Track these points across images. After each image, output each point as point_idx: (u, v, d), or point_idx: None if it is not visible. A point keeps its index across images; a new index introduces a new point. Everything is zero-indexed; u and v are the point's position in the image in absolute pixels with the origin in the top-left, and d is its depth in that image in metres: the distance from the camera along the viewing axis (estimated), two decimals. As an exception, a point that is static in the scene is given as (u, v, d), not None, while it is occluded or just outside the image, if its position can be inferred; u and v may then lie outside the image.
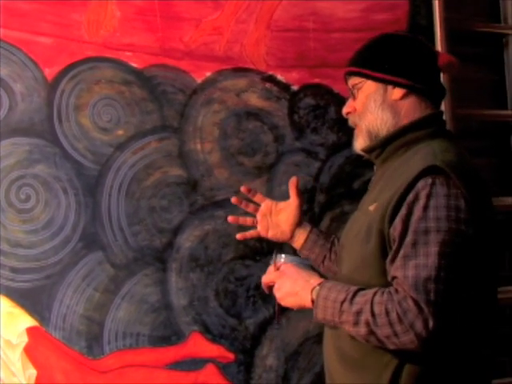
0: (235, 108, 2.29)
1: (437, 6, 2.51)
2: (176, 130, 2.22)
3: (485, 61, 2.70)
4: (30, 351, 2.01)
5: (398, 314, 1.36)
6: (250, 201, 1.89)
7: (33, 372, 2.01)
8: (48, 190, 2.07)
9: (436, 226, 1.39)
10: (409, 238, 1.40)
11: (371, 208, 1.54)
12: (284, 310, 1.62)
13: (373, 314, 1.38)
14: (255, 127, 2.32)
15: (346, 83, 1.70)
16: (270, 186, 2.29)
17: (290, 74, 2.36)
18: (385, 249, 1.47)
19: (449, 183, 1.42)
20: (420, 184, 1.43)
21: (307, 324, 2.26)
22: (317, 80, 2.39)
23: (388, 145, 1.60)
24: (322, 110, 2.39)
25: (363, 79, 1.63)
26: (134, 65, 2.18)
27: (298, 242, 1.86)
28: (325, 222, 2.35)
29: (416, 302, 1.34)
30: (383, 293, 1.40)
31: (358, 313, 1.40)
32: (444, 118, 1.70)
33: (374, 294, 1.40)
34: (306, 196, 2.31)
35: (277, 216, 1.85)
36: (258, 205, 1.88)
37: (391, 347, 1.40)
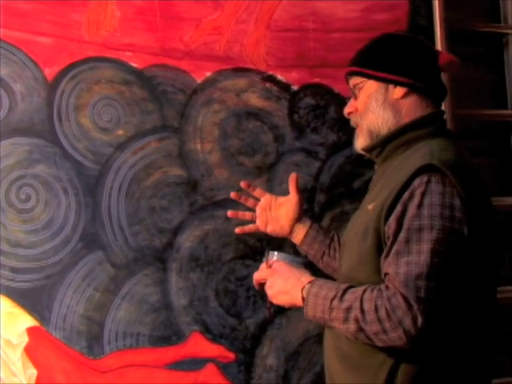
0: (235, 108, 2.29)
1: (437, 6, 2.51)
2: (176, 130, 2.22)
3: (485, 61, 2.70)
4: (30, 351, 2.01)
5: (386, 310, 1.35)
6: (250, 196, 1.88)
7: (33, 372, 2.01)
8: (48, 190, 2.07)
9: (430, 224, 1.38)
10: (402, 236, 1.40)
11: (370, 207, 1.54)
12: (276, 307, 1.61)
13: (362, 311, 1.37)
14: (255, 127, 2.31)
15: (347, 83, 1.70)
16: (270, 185, 2.29)
17: (289, 73, 2.36)
18: (381, 247, 1.47)
19: (444, 181, 1.41)
20: (416, 182, 1.43)
21: (307, 324, 2.26)
22: (317, 80, 2.39)
23: (388, 143, 1.60)
24: (322, 109, 2.39)
25: (364, 79, 1.63)
26: (134, 65, 2.18)
27: (298, 237, 1.85)
28: (325, 222, 2.35)
29: (405, 299, 1.34)
30: (373, 290, 1.39)
31: (348, 310, 1.39)
32: (445, 117, 1.70)
33: (364, 290, 1.40)
34: (306, 196, 2.31)
35: (276, 211, 1.85)
36: (257, 199, 1.87)
37: (380, 344, 1.39)
